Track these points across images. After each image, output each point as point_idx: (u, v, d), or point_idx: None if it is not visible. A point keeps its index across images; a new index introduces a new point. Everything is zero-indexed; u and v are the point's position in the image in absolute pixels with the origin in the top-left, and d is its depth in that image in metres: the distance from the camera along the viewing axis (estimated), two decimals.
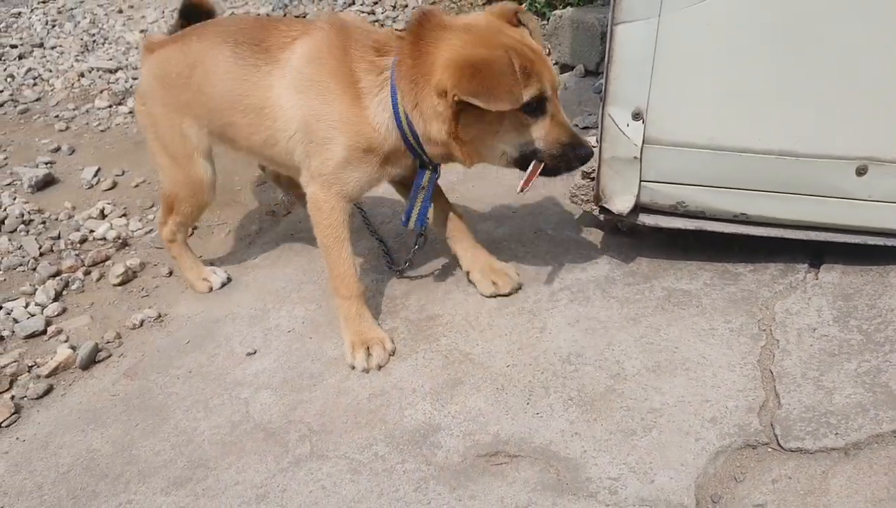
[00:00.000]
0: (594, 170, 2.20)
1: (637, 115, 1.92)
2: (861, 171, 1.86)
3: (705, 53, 1.82)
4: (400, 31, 2.00)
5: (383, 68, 1.94)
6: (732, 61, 1.82)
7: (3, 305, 2.62)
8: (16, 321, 2.54)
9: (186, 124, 2.31)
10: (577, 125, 3.11)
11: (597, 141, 2.06)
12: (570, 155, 1.88)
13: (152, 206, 3.15)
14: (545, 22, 4.21)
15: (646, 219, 2.08)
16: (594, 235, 2.38)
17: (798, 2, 1.73)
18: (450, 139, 1.86)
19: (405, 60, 1.87)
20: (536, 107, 1.82)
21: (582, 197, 2.31)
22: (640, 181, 2.01)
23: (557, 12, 3.68)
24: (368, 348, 2.00)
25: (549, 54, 3.89)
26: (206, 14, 2.46)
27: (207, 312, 2.43)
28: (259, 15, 4.72)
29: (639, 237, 2.31)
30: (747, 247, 2.16)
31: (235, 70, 2.13)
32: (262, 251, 2.74)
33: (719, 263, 2.16)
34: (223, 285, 2.55)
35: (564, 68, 3.67)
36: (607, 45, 1.88)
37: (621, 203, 2.04)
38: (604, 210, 2.09)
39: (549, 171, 1.91)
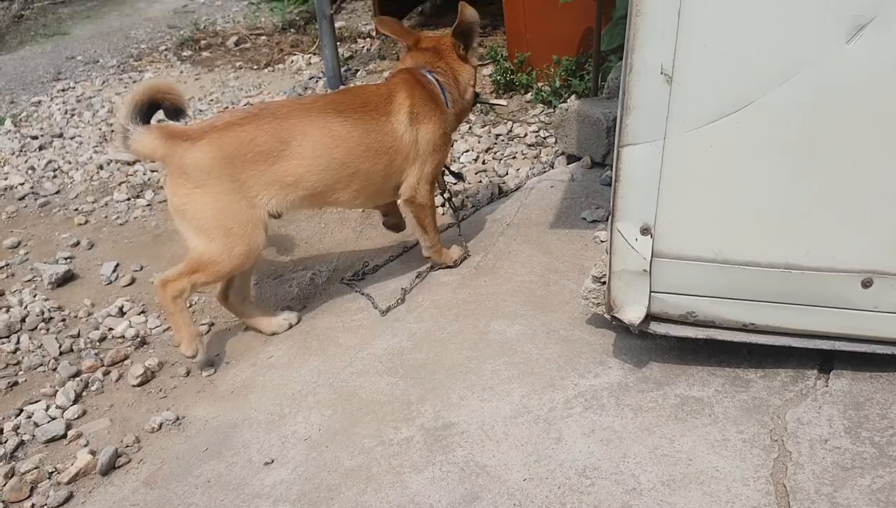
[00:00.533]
0: (604, 275, 2.26)
1: (645, 230, 1.98)
2: (867, 284, 1.91)
3: (710, 173, 1.89)
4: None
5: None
6: (736, 180, 1.89)
7: (25, 408, 2.67)
8: (36, 425, 2.58)
9: (266, 195, 2.65)
10: (584, 218, 3.18)
11: (607, 251, 2.11)
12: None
13: None
14: (552, 110, 4.33)
15: (657, 328, 2.13)
16: (606, 337, 2.42)
17: (799, 124, 1.80)
18: (468, 86, 3.03)
19: (437, 65, 2.97)
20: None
21: (593, 300, 2.36)
22: (651, 292, 2.06)
23: (563, 105, 3.79)
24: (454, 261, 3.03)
25: (555, 142, 3.99)
26: (175, 110, 2.71)
27: (224, 415, 2.46)
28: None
29: (650, 339, 2.35)
30: (756, 351, 2.20)
31: (357, 129, 2.73)
32: (277, 349, 2.78)
33: (730, 368, 2.19)
34: (206, 360, 2.77)
35: (571, 159, 3.76)
36: (613, 165, 1.95)
37: (632, 313, 2.08)
38: (616, 318, 2.14)
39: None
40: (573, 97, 4.40)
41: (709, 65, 1.78)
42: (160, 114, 2.69)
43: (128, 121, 2.58)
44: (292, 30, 6.16)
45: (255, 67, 5.59)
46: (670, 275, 2.03)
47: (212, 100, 5.06)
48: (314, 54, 5.64)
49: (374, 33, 5.90)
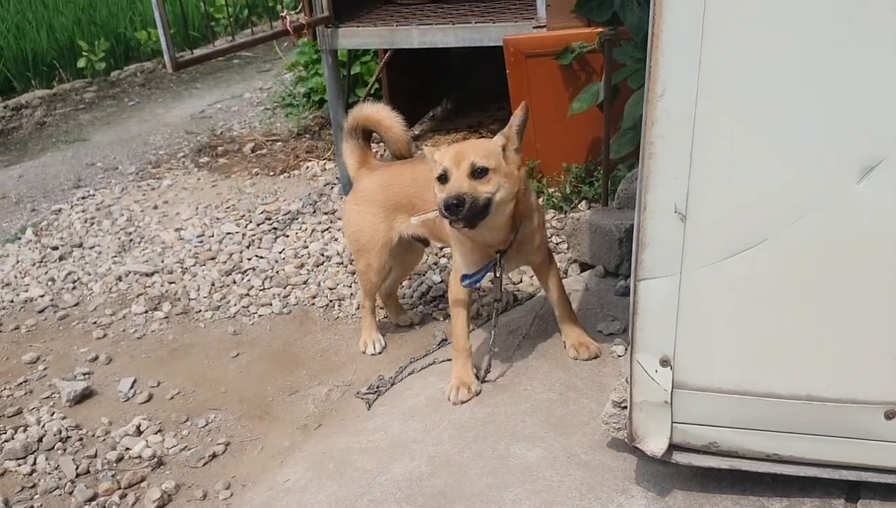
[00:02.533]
0: (624, 400, 2.25)
1: (665, 362, 1.99)
2: (890, 416, 1.90)
3: (727, 307, 1.91)
4: None
5: None
6: (753, 314, 1.91)
7: None
8: None
9: (398, 220, 3.22)
10: (601, 331, 3.18)
11: (626, 381, 2.12)
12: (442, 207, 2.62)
13: (186, 420, 3.20)
14: (563, 215, 4.40)
15: (680, 458, 2.11)
16: (628, 462, 2.39)
17: (814, 261, 1.83)
18: None
19: None
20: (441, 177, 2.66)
21: (614, 424, 2.35)
22: (672, 423, 2.05)
23: (575, 214, 3.85)
24: (458, 387, 2.86)
25: (568, 248, 4.02)
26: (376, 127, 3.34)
27: None
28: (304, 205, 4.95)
29: (673, 466, 2.31)
30: (780, 480, 2.17)
31: None
32: (294, 472, 2.75)
33: (754, 497, 2.16)
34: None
35: (584, 266, 3.79)
36: (631, 297, 1.98)
37: (654, 444, 2.07)
38: (638, 449, 2.13)
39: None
40: (584, 203, 4.48)
41: (721, 204, 1.82)
42: None
43: (347, 137, 3.33)
44: (307, 135, 6.32)
45: (272, 174, 5.71)
46: (692, 406, 2.02)
47: (228, 208, 5.16)
48: (329, 160, 5.76)
49: None
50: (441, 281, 3.97)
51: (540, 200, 4.66)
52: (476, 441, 2.65)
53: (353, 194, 3.34)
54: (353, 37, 4.75)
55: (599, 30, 3.96)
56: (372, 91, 6.11)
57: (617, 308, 3.36)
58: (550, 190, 4.60)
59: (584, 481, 2.35)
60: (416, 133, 6.20)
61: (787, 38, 1.71)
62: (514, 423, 2.71)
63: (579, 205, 4.46)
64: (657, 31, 1.73)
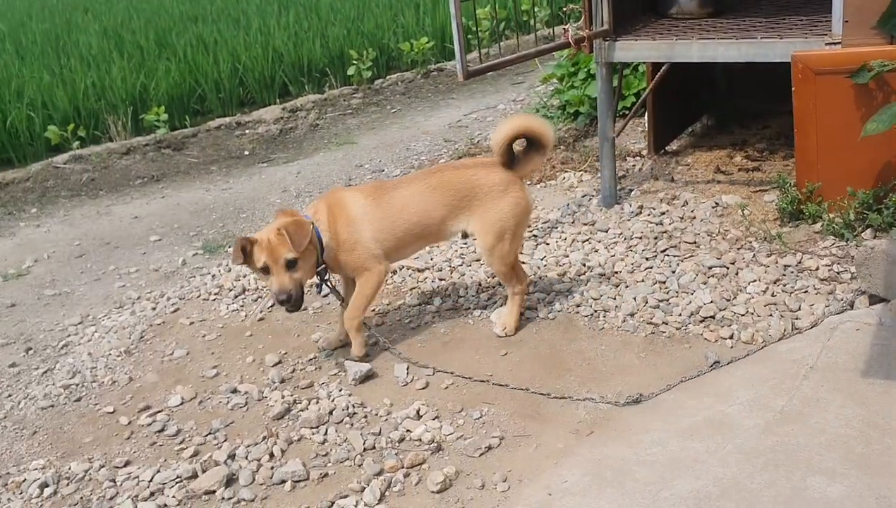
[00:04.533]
0: None
1: None
2: None
3: None
4: None
5: None
6: None
7: (336, 502, 2.89)
8: None
9: None
10: None
11: None
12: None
13: (461, 410, 3.36)
14: (844, 243, 4.12)
15: None
16: None
17: None
18: None
19: None
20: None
21: None
22: None
23: (868, 243, 3.61)
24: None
25: (852, 278, 3.77)
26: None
27: None
28: None
29: None
30: None
31: None
32: (571, 474, 2.81)
33: None
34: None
35: (874, 299, 3.53)
36: None
37: None
38: None
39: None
40: (868, 231, 4.17)
41: None
42: None
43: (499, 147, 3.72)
44: (562, 147, 6.40)
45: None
46: None
47: None
48: (585, 172, 5.81)
49: (644, 152, 5.98)
50: (711, 301, 3.86)
51: (817, 226, 4.41)
52: (766, 469, 2.56)
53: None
54: (629, 50, 4.75)
55: None
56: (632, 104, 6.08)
57: None
58: (831, 215, 4.33)
59: None
60: (675, 148, 6.08)
61: None
62: (809, 455, 2.59)
63: (864, 234, 4.16)
64: None
